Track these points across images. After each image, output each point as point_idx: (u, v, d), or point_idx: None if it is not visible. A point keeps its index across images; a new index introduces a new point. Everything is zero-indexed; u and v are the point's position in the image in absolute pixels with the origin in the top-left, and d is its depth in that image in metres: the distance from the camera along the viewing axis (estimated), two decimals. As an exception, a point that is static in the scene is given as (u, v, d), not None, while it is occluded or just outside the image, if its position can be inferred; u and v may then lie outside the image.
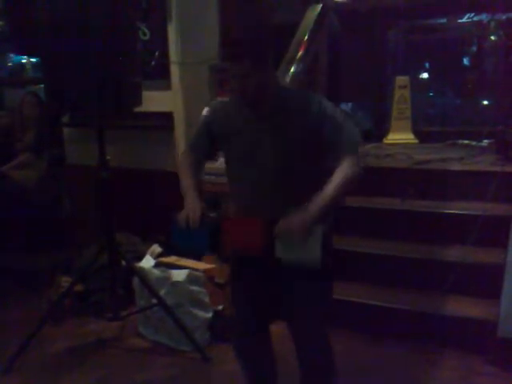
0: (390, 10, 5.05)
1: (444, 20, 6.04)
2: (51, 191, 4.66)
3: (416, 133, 4.88)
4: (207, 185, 3.84)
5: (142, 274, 3.37)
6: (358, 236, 3.62)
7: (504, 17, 4.85)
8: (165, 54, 4.33)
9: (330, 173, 1.99)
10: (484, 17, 5.38)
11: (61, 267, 4.02)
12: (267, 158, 2.03)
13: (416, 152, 4.27)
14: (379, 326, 3.23)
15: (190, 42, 4.25)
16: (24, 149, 4.75)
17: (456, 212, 3.47)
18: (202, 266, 3.48)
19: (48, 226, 4.51)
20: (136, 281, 3.44)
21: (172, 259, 3.61)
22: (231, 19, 4.48)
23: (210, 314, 3.31)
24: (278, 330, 2.34)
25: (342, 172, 1.95)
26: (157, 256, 3.79)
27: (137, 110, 3.17)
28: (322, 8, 4.11)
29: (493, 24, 5.15)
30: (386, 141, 4.90)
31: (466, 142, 4.55)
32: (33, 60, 6.21)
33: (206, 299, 3.32)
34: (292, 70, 3.57)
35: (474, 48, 6.20)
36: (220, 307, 3.35)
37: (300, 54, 3.77)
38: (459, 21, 5.89)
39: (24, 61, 6.42)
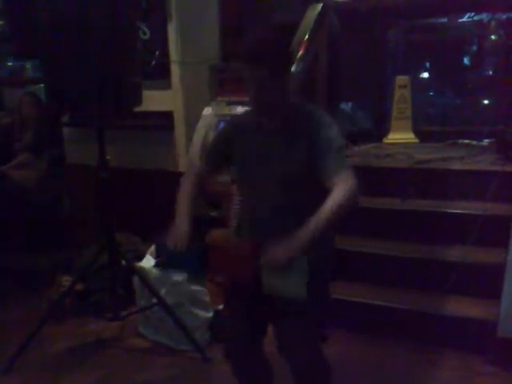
0: (390, 10, 5.04)
1: (444, 19, 6.04)
2: (51, 191, 4.66)
3: (416, 132, 4.87)
4: (208, 185, 3.84)
5: (143, 274, 3.37)
6: (359, 236, 3.61)
7: (504, 16, 4.85)
8: (165, 54, 4.33)
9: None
10: (484, 16, 5.37)
11: (61, 267, 4.02)
12: (272, 175, 2.02)
13: (416, 152, 4.27)
14: (379, 326, 3.23)
15: (190, 42, 4.26)
16: (23, 149, 4.76)
17: (456, 211, 3.47)
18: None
19: (48, 225, 4.51)
20: (136, 280, 3.44)
21: (172, 259, 3.61)
22: (232, 19, 4.49)
23: (210, 314, 3.31)
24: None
25: (334, 199, 1.89)
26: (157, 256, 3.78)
27: (137, 109, 3.17)
28: (322, 7, 4.12)
29: (493, 23, 5.15)
30: (386, 140, 4.89)
31: (467, 141, 4.55)
32: (33, 60, 6.19)
33: (207, 299, 3.32)
34: (292, 69, 3.57)
35: (475, 47, 6.20)
36: (220, 307, 3.35)
37: (300, 53, 3.77)
38: (459, 20, 5.88)
39: (24, 61, 6.41)
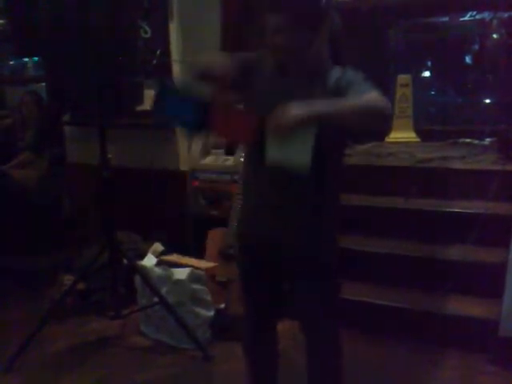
0: (392, 9, 5.04)
1: (446, 18, 6.03)
2: (52, 190, 4.66)
3: (418, 131, 4.87)
4: (208, 183, 3.86)
5: (144, 273, 3.37)
6: (360, 235, 3.62)
7: (506, 15, 4.84)
8: (166, 53, 4.32)
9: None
10: (486, 15, 5.37)
11: (62, 266, 4.02)
12: None
13: (418, 151, 4.27)
14: (381, 325, 3.23)
15: (192, 41, 4.25)
16: (24, 148, 4.76)
17: (458, 211, 3.47)
18: (203, 264, 3.49)
19: (49, 224, 4.51)
20: (137, 279, 3.44)
21: (174, 258, 3.61)
22: (233, 18, 4.48)
23: (211, 313, 3.31)
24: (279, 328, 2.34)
25: (365, 97, 1.75)
26: (158, 254, 3.79)
27: (138, 108, 3.17)
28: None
29: (495, 22, 5.14)
30: (387, 139, 4.89)
31: (468, 140, 4.54)
32: (34, 59, 6.21)
33: (208, 298, 3.32)
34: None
35: (476, 46, 6.20)
36: (222, 306, 3.35)
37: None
38: (461, 19, 5.88)
39: (25, 59, 6.42)
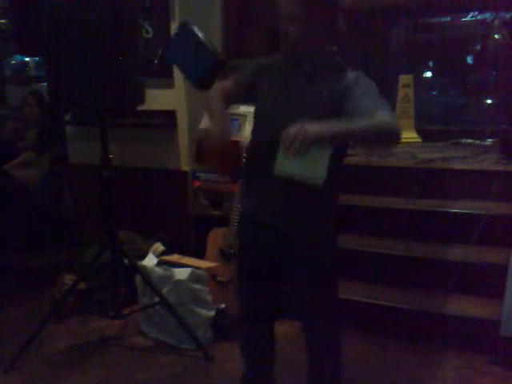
0: (393, 9, 5.04)
1: (447, 18, 6.03)
2: (53, 190, 4.67)
3: (419, 131, 4.87)
4: (210, 183, 3.86)
5: (145, 273, 3.37)
6: (362, 235, 3.61)
7: (508, 15, 4.83)
8: (168, 53, 4.33)
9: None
10: (488, 15, 5.36)
11: (63, 266, 4.02)
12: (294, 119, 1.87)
13: (419, 151, 4.26)
14: (381, 326, 3.22)
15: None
16: (26, 147, 4.77)
17: (459, 211, 3.46)
18: (204, 264, 3.48)
19: (50, 224, 4.51)
20: (138, 279, 3.44)
21: (174, 257, 3.61)
22: (234, 17, 4.48)
23: (212, 313, 3.31)
24: (279, 329, 2.35)
25: (377, 119, 1.79)
26: (159, 254, 3.79)
27: (140, 108, 3.17)
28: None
29: (496, 22, 5.13)
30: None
31: (470, 140, 4.54)
32: (36, 58, 6.21)
33: (209, 297, 3.32)
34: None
35: (478, 47, 6.19)
36: (222, 305, 3.35)
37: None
38: (463, 19, 5.88)
39: (27, 59, 6.42)
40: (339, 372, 2.22)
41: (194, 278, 3.29)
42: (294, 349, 2.29)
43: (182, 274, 3.28)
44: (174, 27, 4.18)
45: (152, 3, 4.29)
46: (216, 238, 3.62)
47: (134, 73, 3.07)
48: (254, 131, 2.12)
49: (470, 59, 6.35)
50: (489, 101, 5.92)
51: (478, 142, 4.47)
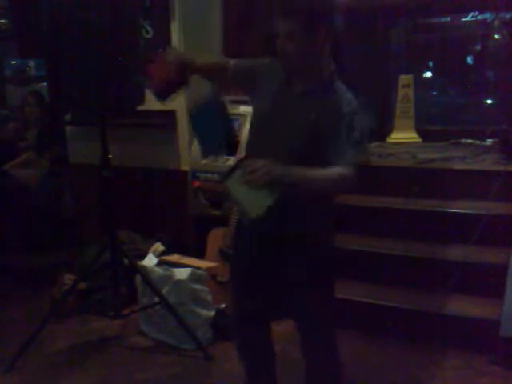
0: (393, 9, 5.03)
1: (447, 18, 6.02)
2: (53, 190, 4.67)
3: (419, 132, 4.87)
4: (210, 183, 3.86)
5: (145, 273, 3.37)
6: (361, 235, 3.62)
7: (508, 15, 4.83)
8: (168, 53, 4.32)
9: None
10: (488, 15, 5.36)
11: (63, 265, 4.02)
12: (281, 135, 1.95)
13: (419, 151, 4.26)
14: (381, 326, 3.22)
15: (193, 41, 4.25)
16: (26, 147, 4.77)
17: (459, 211, 3.46)
18: (204, 264, 3.49)
19: (50, 224, 4.51)
20: (138, 279, 3.44)
21: (174, 257, 3.61)
22: (234, 17, 4.49)
23: (212, 313, 3.31)
24: (279, 329, 2.35)
25: (336, 171, 1.87)
26: (159, 254, 3.79)
27: (140, 108, 3.17)
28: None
29: (497, 23, 5.13)
30: (389, 140, 4.88)
31: (470, 141, 4.54)
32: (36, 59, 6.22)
33: (209, 297, 3.32)
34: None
35: (478, 47, 6.18)
36: (222, 305, 3.35)
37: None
38: (463, 19, 5.87)
39: (27, 59, 6.43)
40: (338, 371, 2.22)
41: (194, 277, 3.29)
42: (292, 348, 2.29)
43: (181, 273, 3.28)
44: (173, 26, 4.20)
45: (152, 3, 4.29)
46: (216, 238, 3.62)
47: (133, 73, 3.07)
48: (249, 136, 2.14)
49: (470, 59, 6.35)
50: (489, 101, 5.92)
51: (478, 142, 4.48)
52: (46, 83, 4.55)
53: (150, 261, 3.60)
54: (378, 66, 5.23)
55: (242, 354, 2.33)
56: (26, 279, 4.13)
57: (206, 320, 3.29)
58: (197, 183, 3.98)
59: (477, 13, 5.50)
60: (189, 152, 4.21)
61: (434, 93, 6.95)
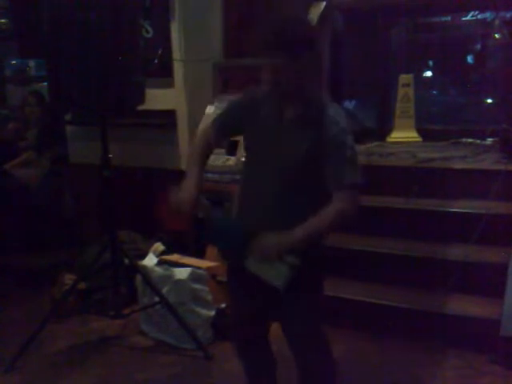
0: (393, 8, 5.03)
1: (448, 18, 6.03)
2: (53, 189, 4.67)
3: (419, 131, 4.87)
4: (211, 183, 3.85)
5: (145, 272, 3.37)
6: (361, 234, 3.60)
7: (508, 15, 4.83)
8: (168, 52, 4.33)
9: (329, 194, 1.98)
10: (488, 15, 5.36)
11: (63, 265, 4.02)
12: (274, 162, 1.99)
13: (419, 150, 4.26)
14: (382, 325, 3.22)
15: (194, 40, 4.26)
16: (27, 147, 4.77)
17: (459, 210, 3.46)
18: (204, 264, 3.48)
19: (50, 223, 4.51)
20: (139, 279, 3.44)
21: (175, 257, 3.61)
22: (234, 17, 4.49)
23: (212, 312, 3.31)
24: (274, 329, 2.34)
25: (334, 208, 1.92)
26: (159, 254, 3.79)
27: (140, 108, 3.17)
28: (325, 6, 4.11)
29: (497, 22, 5.14)
30: (389, 139, 4.88)
31: (470, 140, 4.54)
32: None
33: (209, 297, 3.32)
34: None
35: (478, 46, 6.19)
36: (223, 305, 3.35)
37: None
38: (463, 19, 5.88)
39: (27, 59, 6.44)
40: (331, 371, 2.19)
41: (194, 277, 3.29)
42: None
43: (182, 273, 3.28)
44: (173, 26, 4.20)
45: (152, 3, 4.30)
46: (216, 237, 3.61)
47: (134, 72, 3.08)
48: (244, 169, 2.20)
49: (470, 59, 6.36)
50: (489, 100, 5.92)
51: (478, 141, 4.47)
52: (46, 83, 4.55)
53: (150, 260, 3.60)
54: (379, 66, 5.23)
55: (241, 355, 2.33)
56: (26, 279, 4.13)
57: (206, 320, 3.29)
58: (197, 183, 3.97)
59: (477, 12, 5.51)
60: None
61: (435, 92, 6.97)
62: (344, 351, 2.93)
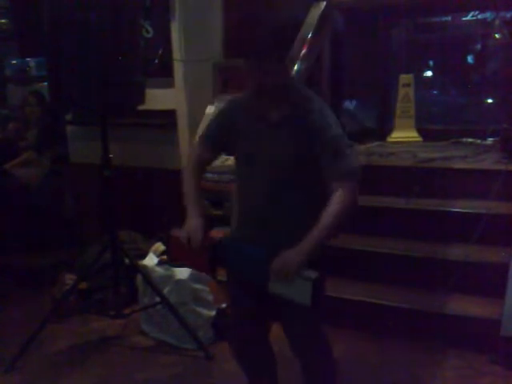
0: (393, 8, 5.03)
1: (448, 18, 6.02)
2: (54, 189, 4.67)
3: (420, 131, 4.87)
4: (210, 183, 3.85)
5: (145, 272, 3.37)
6: (362, 235, 3.61)
7: (508, 15, 4.83)
8: (168, 52, 4.33)
9: (326, 186, 1.97)
10: (488, 15, 5.36)
11: (64, 265, 4.02)
12: (266, 164, 2.01)
13: (420, 150, 4.26)
14: (382, 325, 3.22)
15: (194, 40, 4.26)
16: (27, 147, 4.77)
17: (460, 210, 3.46)
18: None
19: (50, 223, 4.51)
20: (139, 279, 3.44)
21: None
22: (234, 17, 4.48)
23: (213, 312, 3.31)
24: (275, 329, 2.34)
25: (336, 203, 1.91)
26: (160, 254, 3.79)
27: (140, 108, 3.17)
28: (326, 6, 4.11)
29: (497, 22, 5.13)
30: (389, 139, 4.88)
31: (470, 140, 4.53)
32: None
33: (210, 297, 3.32)
34: (295, 68, 3.56)
35: (478, 46, 6.19)
36: (223, 305, 3.35)
37: (303, 52, 3.76)
38: (463, 19, 5.87)
39: (28, 59, 6.43)
40: (332, 370, 2.20)
41: (194, 277, 3.29)
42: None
43: (182, 273, 3.29)
44: (173, 26, 4.20)
45: (152, 3, 4.30)
46: (216, 237, 3.61)
47: (134, 72, 3.08)
48: (237, 175, 2.19)
49: (470, 58, 6.35)
50: (489, 100, 5.92)
51: (478, 141, 4.47)
52: (46, 83, 4.55)
53: (150, 260, 3.60)
54: (379, 66, 5.23)
55: (239, 356, 2.32)
56: (26, 279, 4.13)
57: (206, 320, 3.29)
58: (197, 183, 3.97)
59: (477, 12, 5.50)
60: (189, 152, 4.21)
61: (435, 92, 6.96)
62: (344, 351, 2.93)
